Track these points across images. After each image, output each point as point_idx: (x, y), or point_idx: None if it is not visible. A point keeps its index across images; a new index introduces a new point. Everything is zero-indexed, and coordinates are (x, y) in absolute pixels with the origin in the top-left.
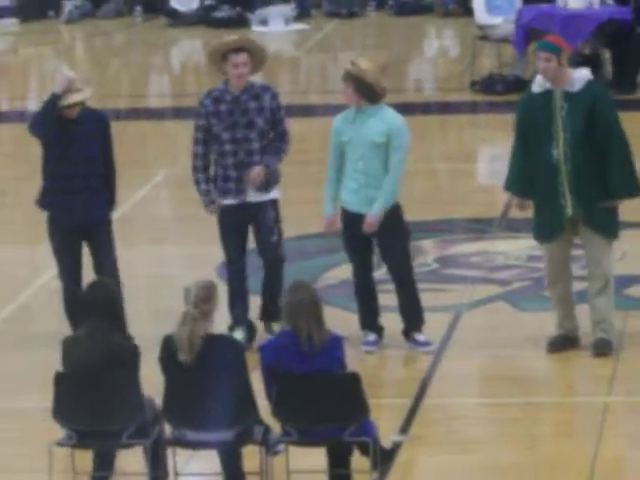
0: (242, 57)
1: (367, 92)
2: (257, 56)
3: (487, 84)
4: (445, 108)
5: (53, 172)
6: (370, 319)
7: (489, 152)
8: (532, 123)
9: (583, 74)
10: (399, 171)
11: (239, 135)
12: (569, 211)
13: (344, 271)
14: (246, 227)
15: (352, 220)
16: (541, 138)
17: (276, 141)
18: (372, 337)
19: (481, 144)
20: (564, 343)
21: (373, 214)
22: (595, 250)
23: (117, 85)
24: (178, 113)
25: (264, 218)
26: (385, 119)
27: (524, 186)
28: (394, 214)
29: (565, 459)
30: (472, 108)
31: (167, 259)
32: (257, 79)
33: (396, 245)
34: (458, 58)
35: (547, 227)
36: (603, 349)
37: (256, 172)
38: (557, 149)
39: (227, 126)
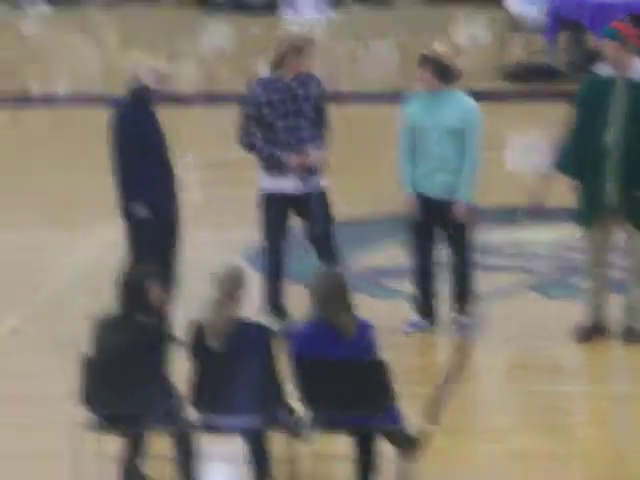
0: (314, 50)
1: (445, 75)
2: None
3: (517, 72)
4: (476, 96)
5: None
6: (425, 304)
7: (519, 140)
8: (590, 106)
9: None
10: (477, 155)
11: (291, 123)
12: (611, 198)
13: (371, 259)
14: (289, 213)
15: (423, 203)
16: (597, 122)
17: (321, 130)
18: (415, 318)
19: (511, 132)
20: (594, 332)
21: (461, 200)
22: (633, 240)
23: None
24: (208, 99)
25: (311, 207)
26: (460, 104)
27: (576, 168)
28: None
29: (596, 448)
30: (502, 96)
31: (193, 243)
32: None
33: (465, 230)
34: (489, 46)
35: (589, 212)
36: (633, 337)
37: (316, 156)
38: (610, 135)
39: (280, 115)
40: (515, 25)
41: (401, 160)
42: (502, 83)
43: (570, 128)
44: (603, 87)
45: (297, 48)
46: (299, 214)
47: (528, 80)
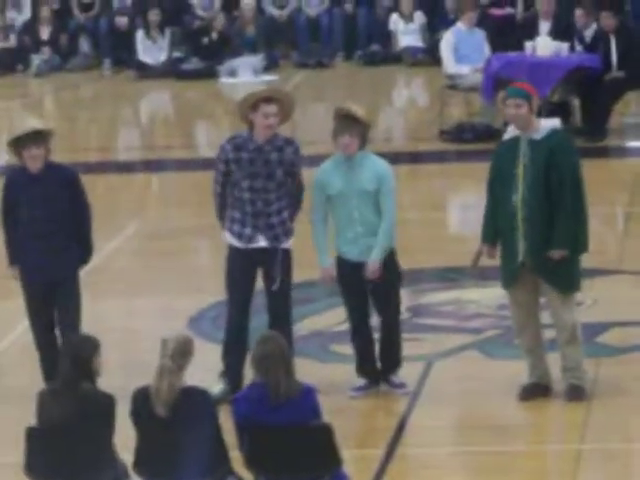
0: (273, 107)
1: (366, 138)
2: (287, 106)
3: (456, 133)
4: (415, 158)
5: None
6: (365, 365)
7: (459, 201)
8: (499, 170)
9: (550, 123)
10: (393, 215)
11: (259, 185)
12: (520, 257)
13: (315, 322)
14: (254, 272)
15: (352, 269)
16: (505, 185)
17: (293, 195)
18: (362, 382)
19: (451, 193)
20: (536, 391)
21: (375, 260)
22: (552, 301)
23: (86, 138)
24: (147, 166)
25: (273, 264)
26: (373, 165)
27: (494, 235)
28: (391, 258)
29: None
30: (441, 157)
31: (138, 311)
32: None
33: (391, 289)
34: (427, 107)
35: (508, 272)
36: (576, 395)
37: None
38: (517, 195)
39: (247, 175)
40: (452, 84)
41: (315, 229)
42: (442, 144)
43: (486, 199)
44: (507, 149)
45: (253, 105)
46: (262, 272)
47: (467, 141)
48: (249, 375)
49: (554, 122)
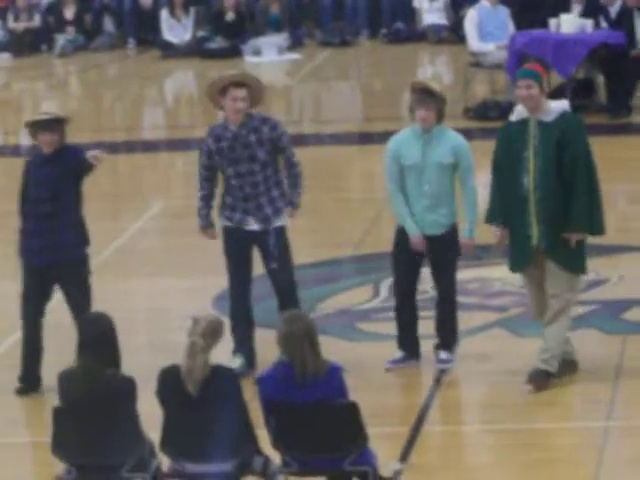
0: (241, 92)
1: (443, 113)
2: (256, 91)
3: (481, 110)
4: None
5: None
6: (405, 340)
7: (483, 178)
8: (508, 152)
9: (560, 103)
10: (475, 189)
11: (243, 169)
12: (534, 242)
13: (341, 300)
14: (249, 251)
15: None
16: (515, 167)
17: (290, 176)
18: (399, 355)
19: (475, 170)
20: (561, 368)
21: (467, 237)
22: (556, 283)
23: (111, 118)
24: (172, 145)
25: (267, 244)
26: (450, 140)
27: (503, 216)
28: (453, 234)
29: None
30: (466, 135)
31: (164, 291)
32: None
33: (450, 264)
34: (451, 85)
35: (518, 257)
36: (537, 379)
37: None
38: (528, 177)
39: (230, 162)
40: (476, 62)
41: (395, 200)
42: (467, 121)
43: (491, 180)
44: (517, 131)
45: (220, 89)
46: (259, 252)
47: (492, 118)
48: (262, 351)
49: (563, 104)
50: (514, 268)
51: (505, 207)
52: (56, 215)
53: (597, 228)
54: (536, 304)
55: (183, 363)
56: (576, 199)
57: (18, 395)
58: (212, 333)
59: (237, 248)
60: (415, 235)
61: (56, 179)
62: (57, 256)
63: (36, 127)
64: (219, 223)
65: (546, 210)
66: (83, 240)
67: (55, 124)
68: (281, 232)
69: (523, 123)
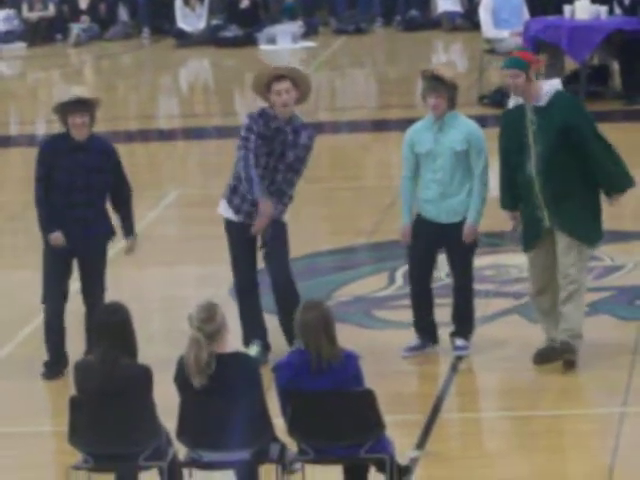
0: (284, 84)
1: (454, 100)
2: (302, 85)
3: (496, 97)
4: None
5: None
6: (420, 323)
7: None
8: (510, 139)
9: (551, 85)
10: (486, 176)
11: (272, 164)
12: (547, 223)
13: (357, 288)
14: (253, 244)
15: (428, 228)
16: (518, 153)
17: (284, 182)
18: (415, 342)
19: (490, 157)
20: (551, 355)
21: (471, 224)
22: (567, 257)
23: (126, 107)
24: (187, 133)
25: (265, 237)
26: (462, 126)
27: (514, 201)
28: None
29: (583, 470)
30: (481, 122)
31: (180, 280)
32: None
33: (469, 252)
34: (466, 72)
35: (529, 236)
36: (568, 352)
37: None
38: (530, 163)
39: (265, 152)
40: (491, 49)
41: (404, 188)
42: (482, 108)
43: (499, 166)
44: (514, 118)
45: (265, 85)
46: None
47: (507, 105)
48: (277, 340)
49: (554, 83)
50: (525, 248)
51: (515, 191)
52: (89, 205)
53: (627, 181)
54: (537, 285)
55: (186, 356)
56: (600, 167)
57: (46, 379)
58: (206, 321)
59: (242, 241)
60: (404, 224)
61: (91, 167)
62: (87, 245)
63: (66, 109)
64: (223, 212)
65: (551, 193)
66: (112, 230)
67: (85, 106)
68: (280, 227)
69: (519, 109)
